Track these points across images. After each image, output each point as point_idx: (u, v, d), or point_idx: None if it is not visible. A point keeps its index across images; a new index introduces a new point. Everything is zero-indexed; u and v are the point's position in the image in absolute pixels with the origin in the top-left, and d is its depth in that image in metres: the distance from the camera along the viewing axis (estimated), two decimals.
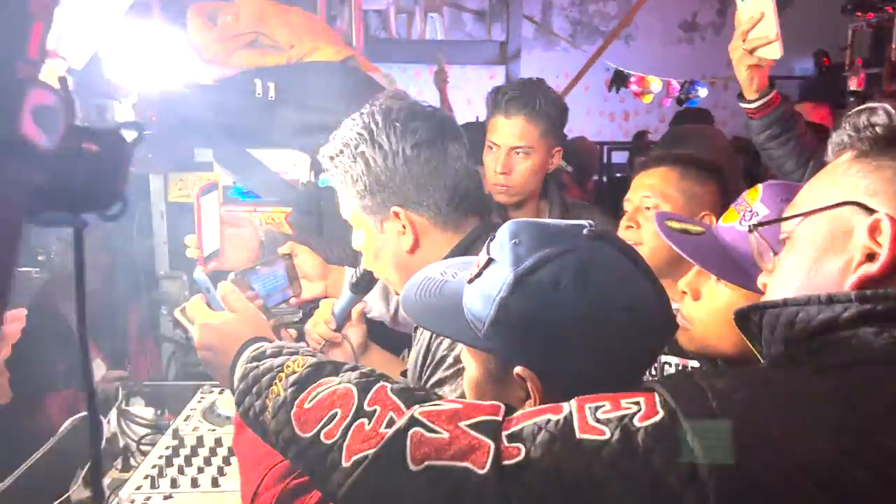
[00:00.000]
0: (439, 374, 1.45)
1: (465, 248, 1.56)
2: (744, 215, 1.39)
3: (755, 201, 1.38)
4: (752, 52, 2.03)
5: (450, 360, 1.44)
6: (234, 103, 2.44)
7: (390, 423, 1.02)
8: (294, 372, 1.16)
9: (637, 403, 0.89)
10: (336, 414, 1.07)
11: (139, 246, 2.56)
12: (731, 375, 0.93)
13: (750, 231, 1.10)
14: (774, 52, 2.02)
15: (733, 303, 1.32)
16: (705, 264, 1.38)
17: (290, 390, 1.13)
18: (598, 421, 0.88)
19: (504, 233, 1.10)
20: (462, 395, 1.40)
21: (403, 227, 1.56)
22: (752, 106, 2.11)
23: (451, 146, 1.56)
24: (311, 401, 1.11)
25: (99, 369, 2.54)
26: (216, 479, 1.72)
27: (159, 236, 2.54)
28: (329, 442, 1.05)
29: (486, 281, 1.08)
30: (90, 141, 0.65)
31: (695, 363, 1.80)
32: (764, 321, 1.02)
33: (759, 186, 1.41)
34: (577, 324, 1.02)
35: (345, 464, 1.00)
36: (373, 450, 0.97)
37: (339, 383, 1.11)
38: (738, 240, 1.37)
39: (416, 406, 1.00)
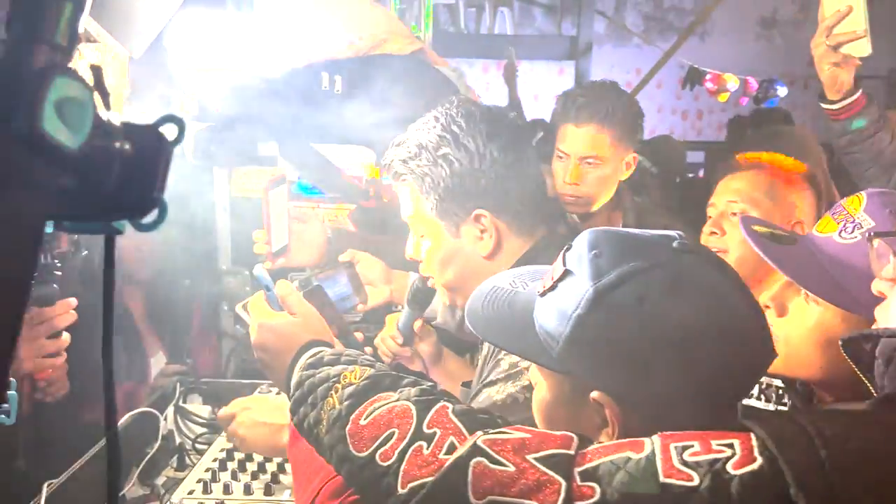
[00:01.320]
0: (492, 376, 1.41)
1: (530, 260, 1.49)
2: (844, 226, 1.26)
3: (859, 211, 1.25)
4: (836, 48, 1.87)
5: (504, 364, 1.39)
6: (301, 96, 2.38)
7: (451, 450, 0.95)
8: (351, 384, 1.09)
9: (730, 446, 0.78)
10: (393, 434, 1.00)
11: (202, 240, 2.54)
12: (843, 420, 0.81)
13: (869, 239, 0.98)
14: (863, 48, 1.86)
15: (825, 323, 1.21)
16: (799, 279, 1.25)
17: (346, 403, 1.07)
18: (684, 464, 0.79)
19: (582, 243, 1.00)
20: (507, 402, 1.34)
21: (482, 231, 1.52)
22: (835, 107, 1.94)
23: (530, 149, 1.56)
24: (367, 417, 1.04)
25: (159, 362, 2.54)
26: (270, 487, 1.66)
27: (222, 231, 2.50)
28: (385, 464, 0.99)
29: (561, 295, 0.98)
30: (123, 139, 0.57)
31: (778, 381, 1.67)
32: (877, 351, 0.90)
33: (863, 194, 1.28)
34: (663, 346, 0.91)
35: (400, 490, 0.93)
36: (431, 478, 0.90)
37: (398, 400, 1.04)
38: (837, 253, 1.24)
39: (480, 433, 0.92)
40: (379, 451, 1.00)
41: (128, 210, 0.58)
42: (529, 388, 1.34)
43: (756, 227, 1.37)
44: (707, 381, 0.93)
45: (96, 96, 0.56)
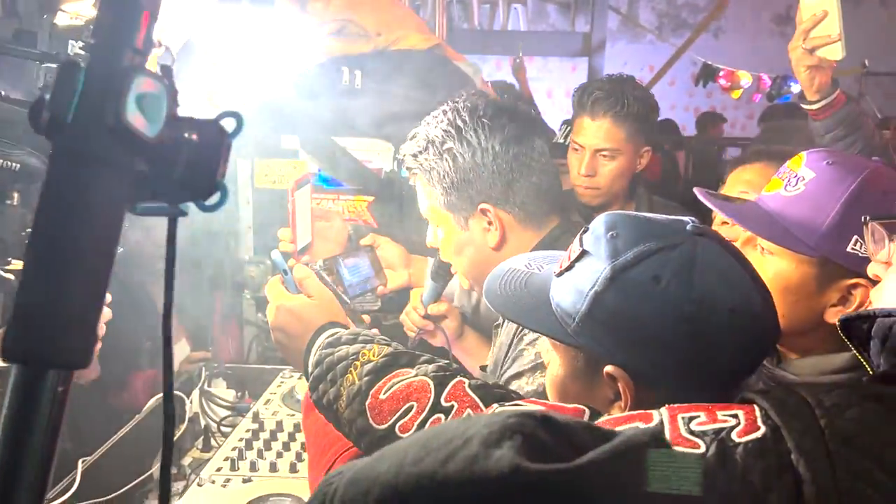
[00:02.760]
0: (516, 368, 1.44)
1: (546, 247, 1.55)
2: (788, 181, 1.33)
3: (800, 167, 1.33)
4: (812, 51, 1.96)
5: (530, 355, 1.43)
6: (321, 91, 2.44)
7: None
8: (370, 361, 1.15)
9: (735, 416, 0.83)
10: (412, 407, 1.07)
11: (225, 231, 2.60)
12: (841, 392, 0.86)
13: (865, 223, 1.04)
14: (836, 52, 1.95)
15: (781, 272, 1.28)
16: (753, 228, 1.33)
17: (365, 379, 1.13)
18: (692, 433, 0.83)
19: (599, 225, 1.05)
20: (539, 391, 1.38)
21: (489, 223, 1.56)
22: (815, 107, 2.02)
23: (537, 142, 1.57)
24: (386, 392, 1.10)
25: (183, 350, 2.60)
26: (294, 465, 1.73)
27: (245, 222, 2.57)
28: (404, 436, 1.05)
29: (578, 274, 1.03)
30: (191, 130, 0.64)
31: None
32: (873, 331, 0.95)
33: (803, 153, 1.36)
34: (676, 323, 0.96)
35: None
36: None
37: (416, 376, 1.10)
38: (784, 206, 1.31)
39: (496, 405, 0.97)
40: (398, 424, 1.07)
41: (194, 193, 0.64)
42: None
43: (710, 192, 1.46)
44: (717, 357, 0.98)
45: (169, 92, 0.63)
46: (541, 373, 1.40)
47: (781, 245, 1.28)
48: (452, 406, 1.05)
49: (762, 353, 1.07)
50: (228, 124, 0.67)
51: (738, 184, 1.90)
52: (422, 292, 1.87)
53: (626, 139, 2.31)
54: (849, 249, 1.23)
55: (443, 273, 1.81)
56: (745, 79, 7.10)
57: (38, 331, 0.57)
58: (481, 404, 1.05)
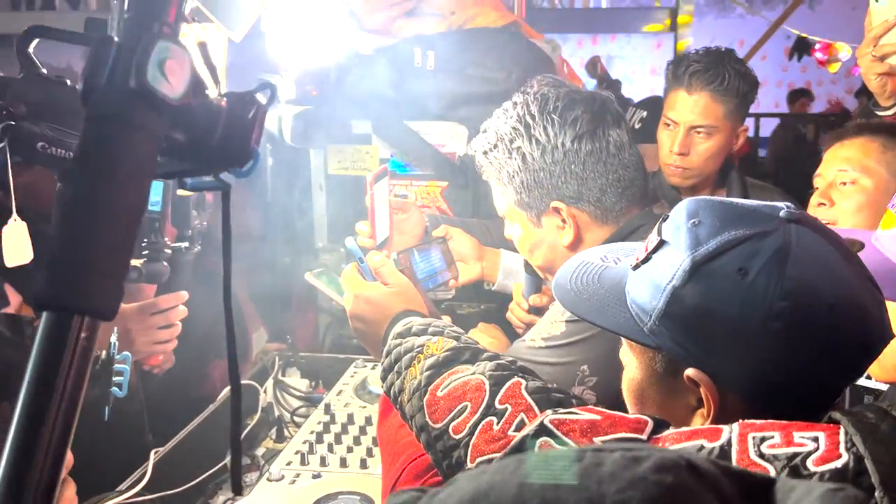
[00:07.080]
0: None
1: (621, 238, 1.45)
2: None
3: None
4: (882, 59, 1.86)
5: None
6: (394, 73, 2.38)
7: (520, 426, 0.96)
8: (433, 354, 1.12)
9: (815, 439, 0.72)
10: (466, 407, 1.03)
11: (299, 218, 2.59)
12: None
13: None
14: None
15: None
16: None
17: (425, 374, 1.10)
18: (761, 456, 0.73)
19: (680, 212, 0.93)
20: None
21: (563, 221, 1.49)
22: (889, 113, 1.92)
23: (613, 133, 1.46)
24: (443, 388, 1.07)
25: (261, 338, 2.61)
26: (365, 461, 1.69)
27: (318, 209, 2.55)
28: (457, 437, 1.02)
29: (655, 267, 0.92)
30: (221, 98, 0.68)
31: (883, 386, 1.56)
32: None
33: None
34: (766, 321, 0.84)
35: (469, 464, 0.96)
36: (498, 454, 0.89)
37: (473, 374, 1.06)
38: None
39: (549, 412, 0.89)
40: (452, 424, 1.02)
41: (230, 160, 0.70)
42: None
43: None
44: (814, 360, 0.86)
45: (194, 58, 0.66)
46: None
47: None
48: (506, 409, 1.00)
49: (868, 358, 0.92)
50: (262, 97, 0.71)
51: (837, 161, 1.75)
52: (521, 288, 1.79)
53: (724, 116, 2.16)
54: None
55: (531, 268, 1.73)
56: (844, 51, 6.72)
57: (64, 280, 0.60)
58: (536, 409, 0.99)
